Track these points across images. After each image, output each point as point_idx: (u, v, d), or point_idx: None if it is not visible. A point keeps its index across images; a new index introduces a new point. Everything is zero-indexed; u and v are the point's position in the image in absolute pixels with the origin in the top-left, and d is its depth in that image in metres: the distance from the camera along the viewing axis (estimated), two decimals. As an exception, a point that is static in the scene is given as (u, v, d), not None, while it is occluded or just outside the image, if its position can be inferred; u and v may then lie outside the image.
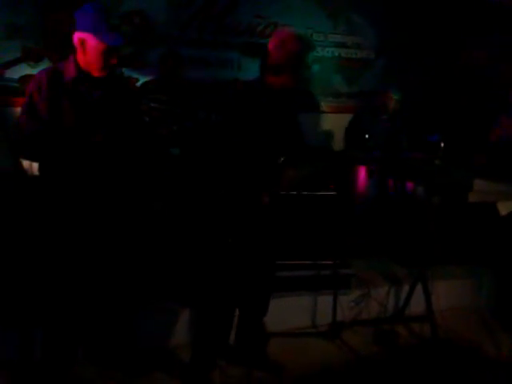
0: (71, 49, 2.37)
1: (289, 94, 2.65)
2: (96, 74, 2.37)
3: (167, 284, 3.27)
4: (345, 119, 4.82)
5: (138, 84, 4.26)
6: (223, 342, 2.76)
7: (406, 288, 3.53)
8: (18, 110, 2.45)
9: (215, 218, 2.64)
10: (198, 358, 2.70)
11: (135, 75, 4.33)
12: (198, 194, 3.02)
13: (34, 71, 3.89)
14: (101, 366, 2.76)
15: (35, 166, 2.47)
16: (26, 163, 2.44)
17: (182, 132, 3.68)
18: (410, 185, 4.08)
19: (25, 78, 4.02)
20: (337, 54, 5.41)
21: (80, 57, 2.35)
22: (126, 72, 4.23)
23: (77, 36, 2.32)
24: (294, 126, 2.75)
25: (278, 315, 3.25)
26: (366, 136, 4.03)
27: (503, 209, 3.06)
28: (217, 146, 2.60)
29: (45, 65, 4.00)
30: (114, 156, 2.42)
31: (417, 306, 3.41)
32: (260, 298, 2.86)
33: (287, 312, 3.33)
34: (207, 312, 2.68)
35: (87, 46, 2.31)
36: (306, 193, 3.37)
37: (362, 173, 4.35)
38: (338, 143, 5.04)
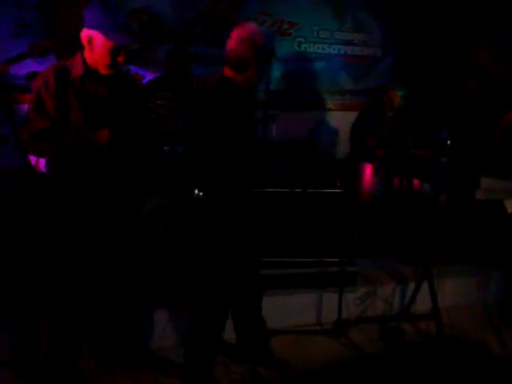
0: (79, 46, 2.38)
1: (253, 90, 2.63)
2: (103, 71, 2.38)
3: (172, 283, 3.29)
4: (351, 117, 4.81)
5: (145, 81, 4.27)
6: (216, 338, 2.73)
7: (411, 286, 3.53)
8: (25, 106, 2.46)
9: (200, 221, 2.63)
10: (192, 354, 2.68)
11: (142, 72, 4.33)
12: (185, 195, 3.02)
13: (40, 68, 3.90)
14: (105, 363, 2.78)
15: (42, 162, 2.49)
16: (32, 159, 2.45)
17: (187, 129, 3.69)
18: (416, 182, 4.07)
19: (31, 75, 4.03)
20: (343, 52, 5.39)
21: (87, 54, 2.35)
22: (133, 69, 4.24)
23: (85, 33, 2.31)
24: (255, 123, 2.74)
25: (284, 312, 3.26)
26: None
27: (511, 206, 3.04)
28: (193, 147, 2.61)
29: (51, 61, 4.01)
30: (120, 153, 2.43)
31: (423, 304, 3.41)
32: (250, 295, 2.85)
33: (292, 309, 3.34)
34: (199, 308, 2.67)
35: (94, 43, 2.30)
36: (312, 190, 3.37)
37: (368, 170, 4.35)
38: (344, 141, 5.03)
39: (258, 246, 2.88)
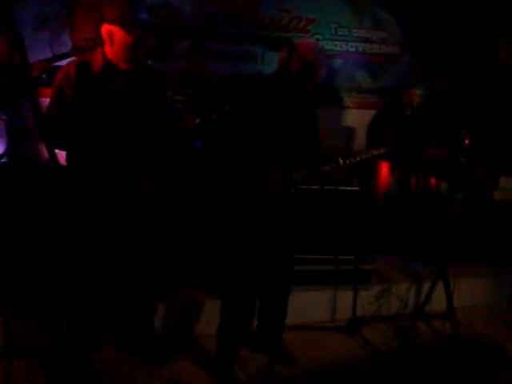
0: (99, 41, 2.41)
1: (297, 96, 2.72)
2: (123, 66, 2.40)
3: (191, 273, 3.32)
4: (368, 115, 4.78)
5: (163, 77, 4.29)
6: (245, 332, 2.81)
7: (427, 285, 3.51)
8: (46, 100, 2.49)
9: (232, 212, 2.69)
10: (224, 348, 2.74)
11: (161, 67, 4.35)
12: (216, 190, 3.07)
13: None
14: (123, 354, 2.81)
15: (63, 154, 2.52)
16: (55, 152, 2.48)
17: (206, 124, 3.71)
18: (433, 181, 4.04)
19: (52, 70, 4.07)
20: (361, 49, 5.36)
21: (107, 48, 2.38)
22: (152, 64, 4.27)
23: (105, 28, 2.34)
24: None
25: (298, 309, 3.26)
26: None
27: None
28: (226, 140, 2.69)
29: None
30: (139, 148, 2.45)
31: (438, 303, 3.39)
32: (280, 289, 2.89)
33: (307, 306, 3.35)
34: (231, 303, 2.72)
35: (115, 38, 2.33)
36: (329, 187, 3.37)
37: (385, 168, 4.33)
38: (361, 139, 5.00)
39: (296, 242, 2.91)
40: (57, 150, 2.67)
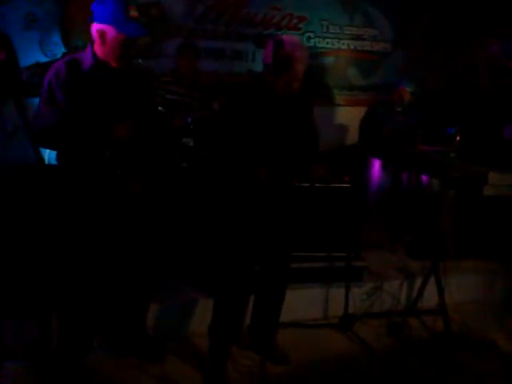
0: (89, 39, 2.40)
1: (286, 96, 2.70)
2: (114, 64, 2.39)
3: (182, 272, 3.32)
4: (360, 112, 4.80)
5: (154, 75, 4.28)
6: (238, 330, 2.80)
7: (418, 281, 3.52)
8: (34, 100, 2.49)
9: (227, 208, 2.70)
10: (216, 346, 2.74)
11: (151, 66, 4.34)
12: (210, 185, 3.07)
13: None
14: (115, 354, 2.80)
15: (53, 154, 2.51)
16: (44, 152, 2.47)
17: (197, 123, 3.71)
18: (424, 178, 4.05)
19: (33, 66, 4.06)
20: (352, 47, 5.38)
21: (98, 47, 2.37)
22: (143, 62, 4.27)
23: (95, 28, 2.33)
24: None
25: (290, 306, 3.26)
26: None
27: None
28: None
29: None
30: (132, 145, 2.45)
31: (430, 299, 3.40)
32: (277, 286, 2.89)
33: (299, 303, 3.35)
34: (224, 300, 2.72)
35: (107, 37, 2.32)
36: (320, 185, 3.37)
37: (377, 165, 4.34)
38: (353, 136, 5.02)
39: (294, 240, 2.92)
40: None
